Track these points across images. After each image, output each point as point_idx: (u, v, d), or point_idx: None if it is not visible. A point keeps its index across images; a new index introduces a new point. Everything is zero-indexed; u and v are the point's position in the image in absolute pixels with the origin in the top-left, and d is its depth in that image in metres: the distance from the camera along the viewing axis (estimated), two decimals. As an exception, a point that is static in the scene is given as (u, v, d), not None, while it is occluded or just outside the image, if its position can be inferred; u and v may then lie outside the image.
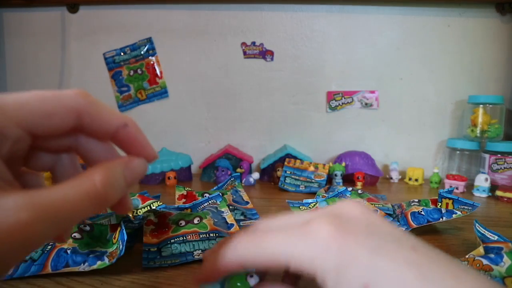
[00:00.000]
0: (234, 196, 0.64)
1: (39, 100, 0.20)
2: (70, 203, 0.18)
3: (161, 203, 0.52)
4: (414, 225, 0.51)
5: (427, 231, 0.52)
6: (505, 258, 0.36)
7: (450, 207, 0.55)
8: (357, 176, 0.85)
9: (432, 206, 0.55)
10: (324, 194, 0.70)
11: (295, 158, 0.90)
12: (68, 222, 0.18)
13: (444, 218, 0.51)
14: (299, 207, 0.64)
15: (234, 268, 0.23)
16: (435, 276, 0.17)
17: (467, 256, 0.39)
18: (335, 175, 0.85)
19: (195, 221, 0.48)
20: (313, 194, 0.76)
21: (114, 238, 0.42)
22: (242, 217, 0.57)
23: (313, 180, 0.83)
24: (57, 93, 0.21)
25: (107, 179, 0.20)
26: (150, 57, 1.03)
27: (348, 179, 0.89)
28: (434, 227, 0.55)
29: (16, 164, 0.22)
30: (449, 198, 0.56)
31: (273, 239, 0.22)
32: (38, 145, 0.22)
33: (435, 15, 0.96)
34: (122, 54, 1.03)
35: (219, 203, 0.55)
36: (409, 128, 1.01)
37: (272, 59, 1.01)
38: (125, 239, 0.38)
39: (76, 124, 0.21)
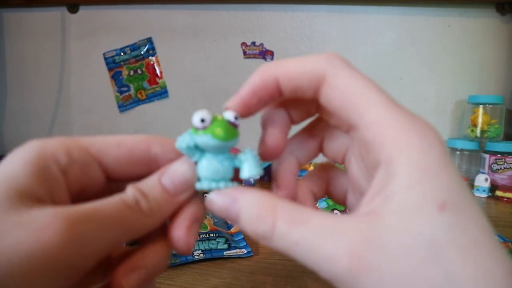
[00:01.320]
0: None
1: (107, 137, 0.20)
2: (106, 211, 0.17)
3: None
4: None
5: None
6: (505, 258, 0.36)
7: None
8: (357, 176, 0.85)
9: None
10: (324, 194, 0.70)
11: (295, 158, 0.90)
12: (109, 230, 0.17)
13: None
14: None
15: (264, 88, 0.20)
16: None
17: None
18: (335, 175, 0.85)
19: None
20: (313, 194, 0.76)
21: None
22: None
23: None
24: (134, 140, 0.20)
25: (139, 191, 0.19)
26: (150, 57, 1.03)
27: (348, 179, 0.89)
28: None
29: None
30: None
31: None
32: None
33: (435, 15, 0.96)
34: (122, 54, 1.03)
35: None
36: (409, 128, 1.01)
37: (272, 59, 1.01)
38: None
39: (149, 157, 0.21)
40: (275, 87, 0.20)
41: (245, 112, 0.21)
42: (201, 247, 0.42)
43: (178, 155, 0.21)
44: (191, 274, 0.38)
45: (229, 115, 0.20)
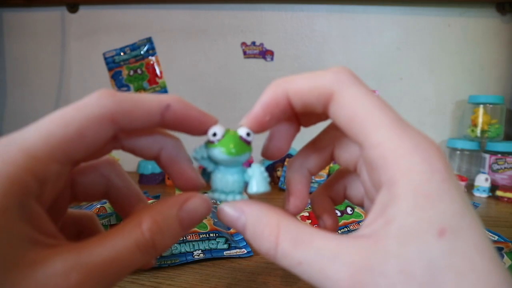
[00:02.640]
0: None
1: (62, 124, 0.17)
2: (119, 259, 0.16)
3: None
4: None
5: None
6: (505, 258, 0.36)
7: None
8: (357, 176, 0.85)
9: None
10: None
11: (295, 158, 0.89)
12: (120, 276, 0.17)
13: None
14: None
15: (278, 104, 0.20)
16: None
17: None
18: (335, 175, 0.85)
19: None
20: (313, 194, 0.76)
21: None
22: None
23: (313, 180, 0.82)
24: (78, 107, 0.18)
25: (157, 226, 0.18)
26: (150, 57, 1.03)
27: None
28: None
29: (63, 201, 0.20)
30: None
31: None
32: (80, 174, 0.21)
33: (436, 15, 0.96)
34: (122, 54, 1.03)
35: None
36: (409, 128, 1.01)
37: (272, 59, 1.00)
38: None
39: (114, 131, 0.19)
40: (286, 103, 0.20)
41: (259, 129, 0.21)
42: (201, 247, 0.42)
43: (146, 120, 0.19)
44: (191, 274, 0.38)
45: (242, 131, 0.21)
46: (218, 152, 0.20)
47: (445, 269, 0.15)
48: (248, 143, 0.21)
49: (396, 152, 0.17)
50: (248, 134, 0.21)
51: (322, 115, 0.22)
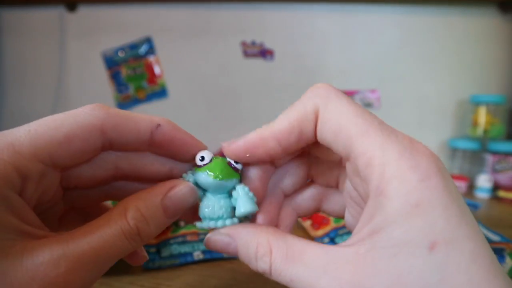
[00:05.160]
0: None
1: (52, 127, 0.18)
2: (106, 247, 0.17)
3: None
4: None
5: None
6: (508, 259, 0.36)
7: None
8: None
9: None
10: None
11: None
12: (108, 263, 0.17)
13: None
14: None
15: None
16: None
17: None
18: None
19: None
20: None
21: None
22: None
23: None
24: (70, 113, 0.18)
25: (141, 215, 0.18)
26: (149, 56, 1.02)
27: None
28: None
29: (54, 208, 0.20)
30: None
31: None
32: (75, 183, 0.21)
33: (437, 14, 0.96)
34: (121, 53, 1.02)
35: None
36: (410, 128, 1.00)
37: (272, 58, 1.00)
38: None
39: (103, 142, 0.19)
40: (273, 147, 0.20)
41: (238, 160, 0.21)
42: (201, 248, 0.42)
43: (135, 137, 0.20)
44: (191, 275, 0.37)
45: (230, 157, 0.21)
46: (205, 176, 0.20)
47: (439, 283, 0.14)
48: (236, 170, 0.21)
49: (381, 159, 0.16)
50: (236, 162, 0.21)
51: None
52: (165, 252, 0.40)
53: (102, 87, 1.02)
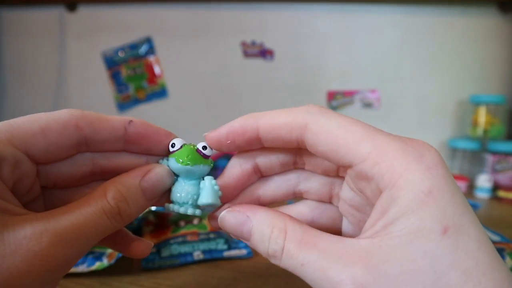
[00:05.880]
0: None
1: (29, 120, 0.19)
2: (88, 224, 0.17)
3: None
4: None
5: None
6: (507, 259, 0.36)
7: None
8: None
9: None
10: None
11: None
12: (90, 241, 0.18)
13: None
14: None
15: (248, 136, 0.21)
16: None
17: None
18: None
19: (195, 221, 0.47)
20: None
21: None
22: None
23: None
24: (49, 112, 0.20)
25: (121, 195, 0.19)
26: (149, 57, 1.02)
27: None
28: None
29: (33, 207, 0.21)
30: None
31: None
32: (54, 181, 0.21)
33: (437, 14, 0.96)
34: (121, 53, 1.02)
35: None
36: (410, 128, 1.01)
37: (272, 58, 1.00)
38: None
39: (78, 139, 0.20)
40: (253, 136, 0.21)
41: (216, 147, 0.22)
42: (201, 248, 0.41)
43: (110, 133, 0.21)
44: (191, 275, 0.37)
45: (200, 144, 0.22)
46: (173, 161, 0.21)
47: (450, 268, 0.15)
48: (205, 156, 0.22)
49: (387, 156, 0.17)
50: (204, 148, 0.22)
51: (288, 163, 0.23)
52: (165, 252, 0.40)
53: (102, 87, 1.03)
